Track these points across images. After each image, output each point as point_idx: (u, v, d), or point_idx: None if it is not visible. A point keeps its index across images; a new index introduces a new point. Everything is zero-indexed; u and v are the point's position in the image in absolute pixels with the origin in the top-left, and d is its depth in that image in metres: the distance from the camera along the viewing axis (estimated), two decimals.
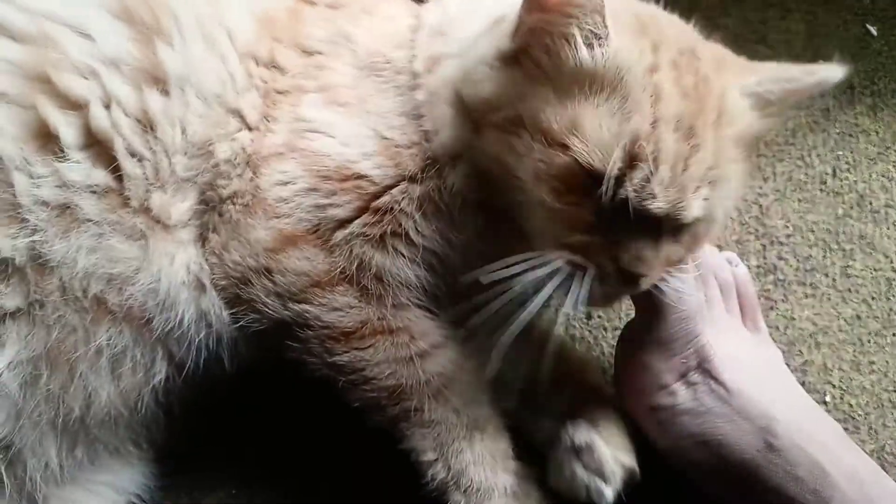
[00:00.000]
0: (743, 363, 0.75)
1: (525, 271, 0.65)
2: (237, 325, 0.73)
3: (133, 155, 0.70)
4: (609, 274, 0.65)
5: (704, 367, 0.74)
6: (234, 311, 0.73)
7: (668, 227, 0.65)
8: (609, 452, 0.75)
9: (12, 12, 0.70)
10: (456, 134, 0.71)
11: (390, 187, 0.72)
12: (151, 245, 0.70)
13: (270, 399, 0.85)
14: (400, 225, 0.72)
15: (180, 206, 0.72)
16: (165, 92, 0.71)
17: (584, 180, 0.63)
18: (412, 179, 0.72)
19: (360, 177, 0.71)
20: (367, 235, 0.71)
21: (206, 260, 0.73)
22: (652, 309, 0.74)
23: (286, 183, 0.72)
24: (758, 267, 0.96)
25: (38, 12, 0.71)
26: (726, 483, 0.73)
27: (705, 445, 0.72)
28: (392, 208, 0.71)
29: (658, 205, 0.62)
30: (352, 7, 0.81)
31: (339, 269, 0.71)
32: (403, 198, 0.72)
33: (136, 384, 0.71)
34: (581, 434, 0.76)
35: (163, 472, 0.83)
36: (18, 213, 0.66)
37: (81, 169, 0.68)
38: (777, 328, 0.93)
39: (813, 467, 0.68)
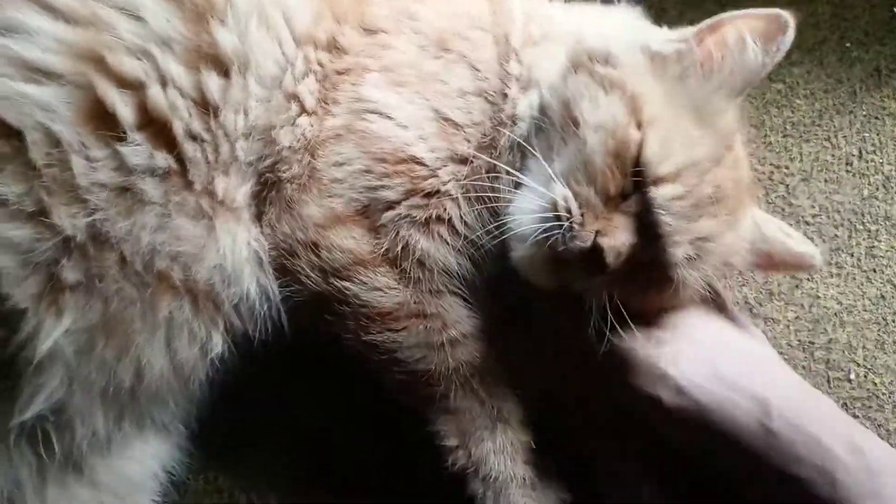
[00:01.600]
0: (724, 347, 0.75)
1: (525, 188, 0.71)
2: (284, 298, 0.75)
3: (193, 137, 0.72)
4: (581, 239, 0.68)
5: (674, 359, 0.73)
6: (280, 281, 0.75)
7: (654, 260, 0.70)
8: None
9: None
10: (554, 68, 0.76)
11: (440, 169, 0.74)
12: (217, 225, 0.72)
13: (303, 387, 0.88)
14: (445, 209, 0.74)
15: (242, 189, 0.74)
16: (225, 74, 0.73)
17: (631, 160, 0.68)
18: (462, 161, 0.74)
19: (415, 160, 0.73)
20: (413, 218, 0.74)
21: (261, 232, 0.75)
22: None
23: (342, 164, 0.74)
24: None
25: None
26: (732, 469, 0.73)
27: (703, 436, 0.72)
28: (439, 191, 0.74)
29: (668, 221, 0.68)
30: None
31: (382, 250, 0.74)
32: (451, 180, 0.74)
33: (192, 357, 0.74)
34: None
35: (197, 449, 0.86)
36: (78, 193, 0.68)
37: (142, 151, 0.70)
38: (802, 306, 0.94)
39: (811, 443, 0.68)
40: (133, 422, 0.76)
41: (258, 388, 0.85)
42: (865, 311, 0.95)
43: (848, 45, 1.06)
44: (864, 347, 0.93)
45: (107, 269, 0.69)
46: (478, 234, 0.75)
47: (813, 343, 0.92)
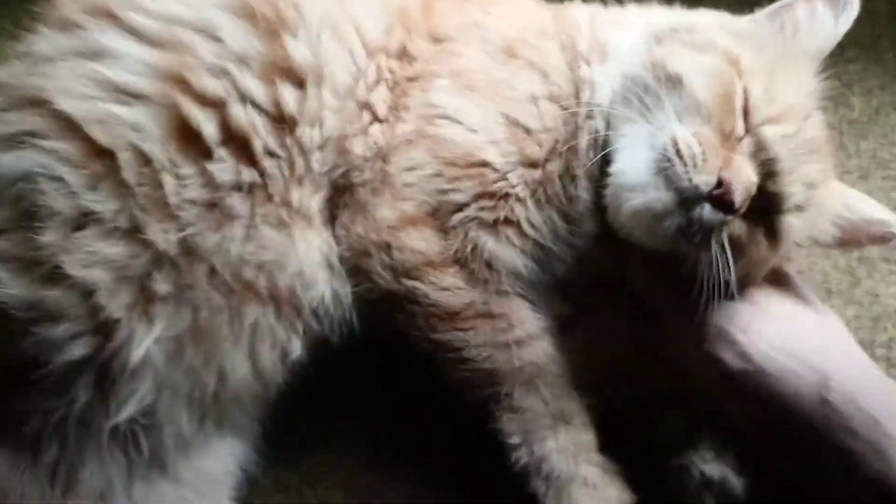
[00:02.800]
0: (795, 322, 0.77)
1: (626, 147, 0.74)
2: (355, 297, 0.78)
3: (270, 154, 0.75)
4: (707, 172, 0.69)
5: (751, 335, 0.74)
6: (352, 280, 0.78)
7: (765, 207, 0.72)
8: (740, 487, 0.77)
9: (143, 19, 0.75)
10: (638, 49, 0.79)
11: (510, 172, 0.76)
12: (295, 233, 0.75)
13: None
14: (513, 212, 0.76)
15: (316, 199, 0.77)
16: (300, 86, 0.76)
17: (740, 105, 0.73)
18: (532, 165, 0.77)
19: (484, 164, 0.76)
20: (481, 220, 0.76)
21: (334, 234, 0.78)
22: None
23: (413, 168, 0.76)
24: None
25: (167, 17, 0.76)
26: (783, 439, 0.74)
27: (762, 405, 0.73)
28: (508, 194, 0.76)
29: (784, 157, 0.72)
30: (480, 0, 0.85)
31: (452, 251, 0.76)
32: (520, 184, 0.76)
33: (272, 362, 0.77)
34: (712, 468, 0.78)
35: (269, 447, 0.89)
36: (170, 210, 0.71)
37: (228, 167, 0.73)
38: (862, 304, 0.95)
39: (867, 420, 0.69)
40: (214, 422, 0.79)
41: (325, 389, 0.88)
42: None
43: None
44: None
45: (197, 280, 0.72)
46: (545, 236, 0.78)
47: (874, 341, 0.93)
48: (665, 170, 0.70)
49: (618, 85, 0.78)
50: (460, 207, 0.76)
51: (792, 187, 0.73)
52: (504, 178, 0.76)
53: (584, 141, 0.78)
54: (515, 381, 0.76)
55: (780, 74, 0.75)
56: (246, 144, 0.74)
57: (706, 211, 0.69)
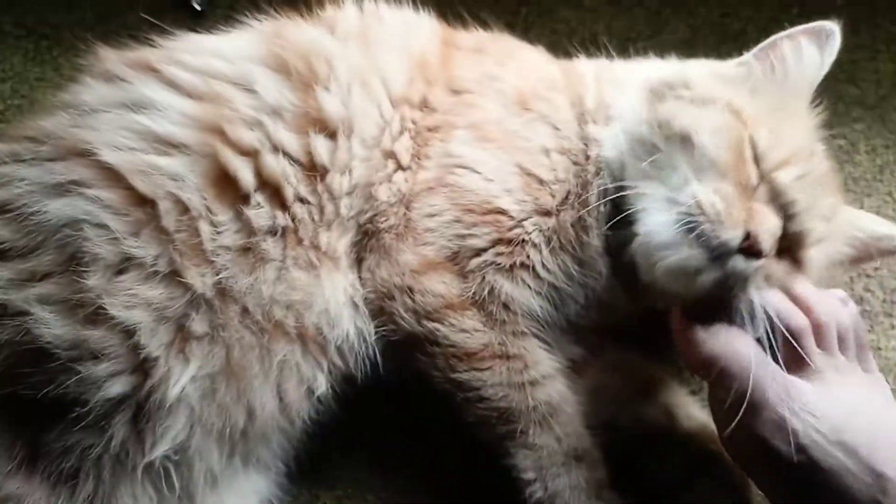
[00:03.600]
0: (843, 404, 0.71)
1: (647, 209, 0.76)
2: (378, 337, 0.82)
3: (301, 201, 0.79)
4: (732, 227, 0.71)
5: (795, 409, 0.70)
6: (376, 321, 0.82)
7: (788, 247, 0.76)
8: None
9: (183, 73, 0.80)
10: (639, 108, 0.82)
11: (525, 220, 0.80)
12: (322, 275, 0.79)
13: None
14: (528, 257, 0.80)
15: (343, 241, 0.81)
16: (331, 137, 0.80)
17: (750, 155, 0.76)
18: (546, 214, 0.81)
19: (500, 211, 0.80)
20: (498, 265, 0.80)
21: (360, 277, 0.82)
22: (715, 378, 0.73)
23: (434, 215, 0.81)
24: None
25: (206, 71, 0.80)
26: None
27: (814, 500, 0.70)
28: (524, 240, 0.80)
29: (801, 198, 0.75)
30: (495, 52, 0.90)
31: (470, 294, 0.80)
32: (534, 230, 0.80)
33: (298, 398, 0.80)
34: None
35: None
36: (206, 256, 0.75)
37: (265, 213, 0.77)
38: None
39: None
40: (241, 458, 0.82)
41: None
42: None
43: None
44: None
45: (230, 320, 0.75)
46: (559, 278, 0.81)
47: None
48: (693, 229, 0.72)
49: (625, 146, 0.81)
50: (478, 252, 0.80)
51: (812, 223, 0.76)
52: (519, 226, 0.80)
53: (593, 195, 0.82)
54: (530, 420, 0.79)
55: (780, 117, 0.78)
56: (278, 191, 0.78)
57: (739, 262, 0.72)
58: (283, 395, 0.79)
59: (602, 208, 0.82)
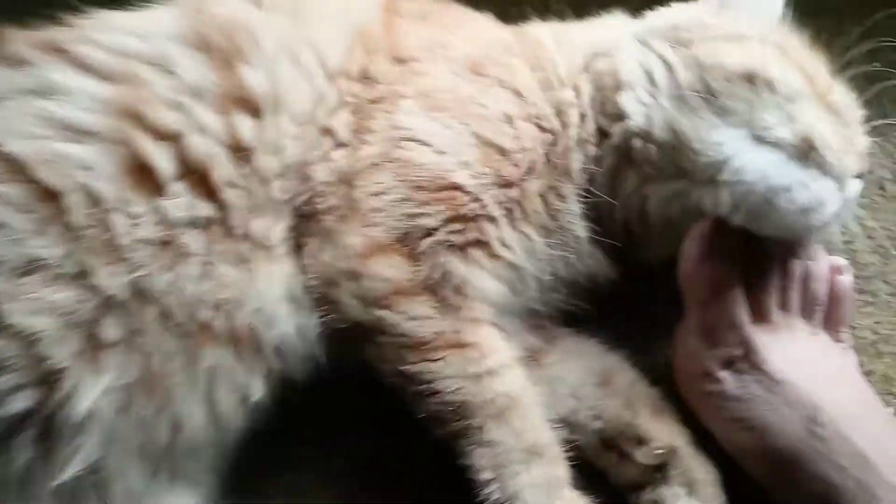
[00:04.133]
0: (797, 357, 0.77)
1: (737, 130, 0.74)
2: (321, 329, 0.76)
3: (230, 185, 0.73)
4: (851, 157, 0.75)
5: (751, 359, 0.76)
6: (320, 310, 0.76)
7: None
8: None
9: (95, 52, 0.74)
10: (657, 62, 0.79)
11: (484, 195, 0.75)
12: (254, 268, 0.73)
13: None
14: (484, 233, 0.75)
15: (279, 228, 0.75)
16: (256, 115, 0.74)
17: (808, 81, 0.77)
18: (508, 185, 0.76)
19: (455, 187, 0.74)
20: (451, 243, 0.74)
21: (301, 264, 0.76)
22: (694, 293, 0.79)
23: (380, 194, 0.74)
24: None
25: (120, 51, 0.74)
26: (771, 468, 0.74)
27: (750, 431, 0.74)
28: (480, 216, 0.75)
29: (853, 116, 0.79)
30: (442, 19, 0.85)
31: (422, 278, 0.74)
32: (493, 203, 0.75)
33: (232, 407, 0.74)
34: None
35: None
36: (120, 252, 0.69)
37: (182, 203, 0.71)
38: None
39: (856, 457, 0.69)
40: (167, 476, 0.76)
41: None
42: None
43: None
44: None
45: (148, 325, 0.70)
46: (517, 254, 0.77)
47: None
48: (811, 161, 0.72)
49: (666, 104, 0.77)
50: (429, 232, 0.74)
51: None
52: (476, 200, 0.75)
53: (577, 161, 0.79)
54: (487, 415, 0.74)
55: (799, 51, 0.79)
56: (204, 177, 0.72)
57: (854, 185, 0.75)
58: (214, 404, 0.74)
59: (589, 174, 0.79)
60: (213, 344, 0.72)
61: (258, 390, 0.75)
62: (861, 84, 0.83)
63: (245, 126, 0.74)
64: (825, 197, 0.73)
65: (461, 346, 0.75)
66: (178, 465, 0.76)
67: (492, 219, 0.75)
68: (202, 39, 0.75)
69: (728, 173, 0.73)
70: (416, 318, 0.74)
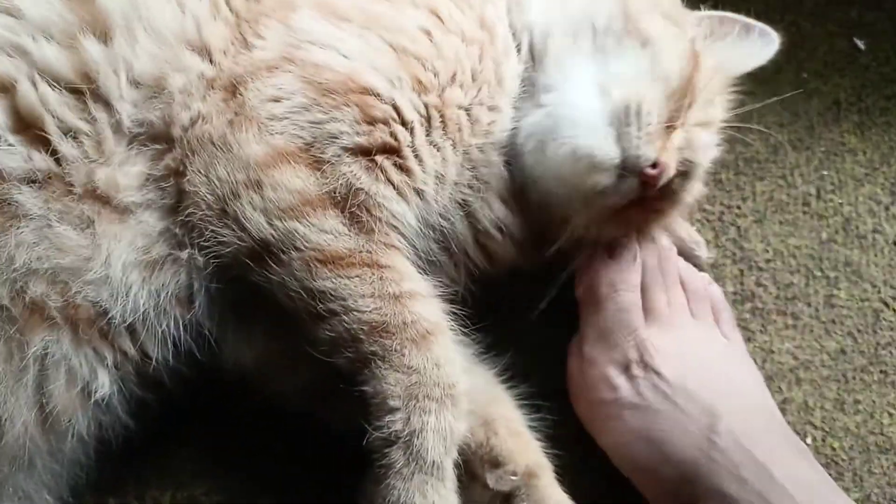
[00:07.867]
0: (691, 360, 0.76)
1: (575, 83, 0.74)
2: (209, 269, 0.68)
3: (67, 132, 0.66)
4: (653, 149, 0.70)
5: (645, 361, 0.75)
6: (215, 230, 0.67)
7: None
8: None
9: None
10: None
11: (398, 97, 0.69)
12: (99, 230, 0.66)
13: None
14: (396, 137, 0.69)
15: (131, 174, 0.67)
16: (105, 38, 0.67)
17: (686, 101, 0.75)
18: (425, 91, 0.71)
19: (368, 90, 0.69)
20: (358, 148, 0.68)
21: (189, 181, 0.67)
22: (590, 301, 0.80)
23: (281, 99, 0.68)
24: (734, 294, 0.91)
25: None
26: (667, 486, 0.72)
27: (648, 442, 0.73)
28: (392, 118, 0.69)
29: (700, 162, 0.78)
30: None
31: (329, 191, 0.68)
32: (408, 107, 0.70)
33: (71, 403, 0.66)
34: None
35: None
36: None
37: (17, 152, 0.64)
38: (755, 361, 0.87)
39: (758, 469, 0.68)
40: None
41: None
42: (824, 366, 0.89)
43: (805, 76, 1.03)
44: (822, 408, 0.87)
45: None
46: (428, 171, 0.71)
47: None
48: (619, 125, 0.70)
49: (560, 20, 0.77)
50: (335, 138, 0.68)
51: (687, 194, 0.79)
52: (389, 103, 0.69)
53: (508, 70, 0.75)
54: (406, 337, 0.67)
55: (716, 83, 0.79)
56: (39, 126, 0.65)
57: (629, 184, 0.71)
58: (46, 401, 0.65)
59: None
60: (44, 326, 0.64)
61: (105, 385, 0.67)
62: None
63: (92, 48, 0.67)
64: (601, 157, 0.70)
65: (378, 266, 0.68)
66: (4, 480, 0.67)
67: (405, 123, 0.70)
68: None
69: (548, 95, 0.74)
70: (328, 231, 0.67)
